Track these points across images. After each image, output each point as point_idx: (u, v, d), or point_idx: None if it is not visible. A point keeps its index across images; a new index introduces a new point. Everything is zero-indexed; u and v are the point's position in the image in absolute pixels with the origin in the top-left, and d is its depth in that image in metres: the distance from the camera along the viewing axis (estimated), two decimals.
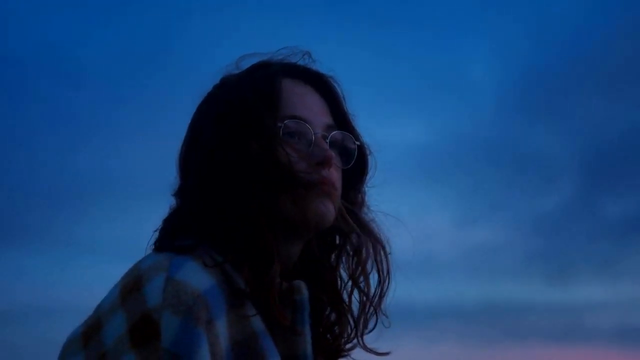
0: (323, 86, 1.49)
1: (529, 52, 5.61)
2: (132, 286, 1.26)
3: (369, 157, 1.52)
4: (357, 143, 1.49)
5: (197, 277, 1.27)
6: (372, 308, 1.50)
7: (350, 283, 1.51)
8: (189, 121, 1.49)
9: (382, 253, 1.51)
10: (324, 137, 1.43)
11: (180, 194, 1.45)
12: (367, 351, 1.51)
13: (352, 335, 1.51)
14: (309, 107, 1.44)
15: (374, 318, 1.51)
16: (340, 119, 1.49)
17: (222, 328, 1.26)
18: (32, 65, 4.58)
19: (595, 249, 5.89)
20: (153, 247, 1.40)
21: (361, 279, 1.50)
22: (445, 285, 5.24)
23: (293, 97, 1.44)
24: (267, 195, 1.36)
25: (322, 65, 1.52)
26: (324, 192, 1.39)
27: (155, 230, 1.43)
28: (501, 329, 5.52)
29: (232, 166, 1.37)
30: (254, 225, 1.34)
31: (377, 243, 1.51)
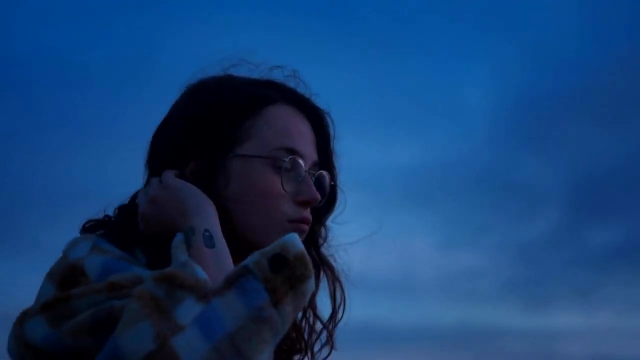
0: (317, 121, 1.51)
1: (524, 79, 5.67)
2: (59, 260, 1.30)
3: (339, 195, 1.54)
4: (333, 183, 1.51)
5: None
6: (319, 337, 1.53)
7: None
8: (170, 110, 1.49)
9: (339, 287, 1.54)
10: (311, 175, 1.45)
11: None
12: None
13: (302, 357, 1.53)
14: (303, 140, 1.45)
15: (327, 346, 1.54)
16: (326, 157, 1.51)
17: None
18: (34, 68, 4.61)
19: (575, 277, 5.94)
20: (83, 226, 1.41)
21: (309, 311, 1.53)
22: (424, 308, 5.29)
23: (290, 127, 1.44)
24: (240, 218, 1.38)
25: (309, 88, 1.52)
26: (300, 230, 1.41)
27: (105, 214, 1.44)
28: (476, 353, 5.57)
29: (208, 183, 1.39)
30: None
31: (335, 279, 1.54)
